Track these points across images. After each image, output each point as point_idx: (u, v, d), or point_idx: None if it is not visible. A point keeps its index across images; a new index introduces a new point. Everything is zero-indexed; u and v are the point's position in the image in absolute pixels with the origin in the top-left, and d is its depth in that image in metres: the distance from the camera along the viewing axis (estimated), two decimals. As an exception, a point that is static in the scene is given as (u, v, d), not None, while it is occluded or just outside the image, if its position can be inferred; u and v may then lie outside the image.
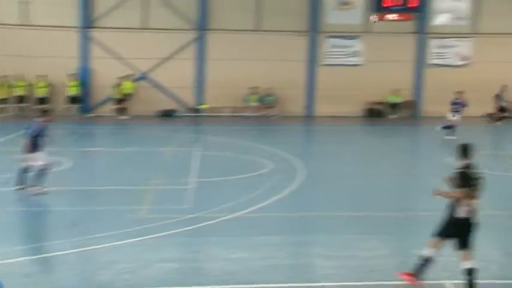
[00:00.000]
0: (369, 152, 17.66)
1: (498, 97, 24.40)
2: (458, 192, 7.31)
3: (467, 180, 7.32)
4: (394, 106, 25.40)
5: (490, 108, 25.49)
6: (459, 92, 20.52)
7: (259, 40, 24.68)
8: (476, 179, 7.37)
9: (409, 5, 24.44)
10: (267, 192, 12.22)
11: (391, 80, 25.10)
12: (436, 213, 8.87)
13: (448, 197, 7.45)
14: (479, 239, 9.51)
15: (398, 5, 24.45)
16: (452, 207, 7.42)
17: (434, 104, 25.23)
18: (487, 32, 25.24)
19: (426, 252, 7.52)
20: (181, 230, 9.79)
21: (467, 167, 7.43)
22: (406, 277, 7.62)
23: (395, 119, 24.79)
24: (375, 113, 25.40)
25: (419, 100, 25.71)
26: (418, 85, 25.66)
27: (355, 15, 25.05)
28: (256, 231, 9.88)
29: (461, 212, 7.34)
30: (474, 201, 7.36)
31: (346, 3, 25.03)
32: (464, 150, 7.50)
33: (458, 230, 7.40)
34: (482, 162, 16.16)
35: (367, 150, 18.00)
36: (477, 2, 25.24)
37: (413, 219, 8.45)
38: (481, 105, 25.34)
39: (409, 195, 12.18)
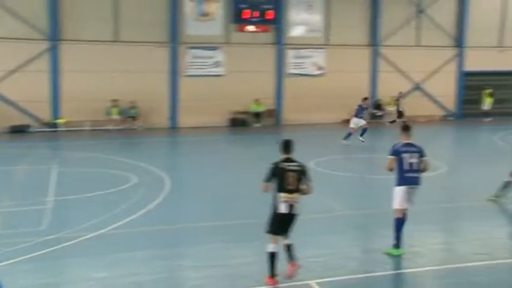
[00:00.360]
0: (233, 161, 17.86)
1: (396, 102, 25.96)
2: (263, 184, 7.90)
3: (272, 174, 7.86)
4: (257, 115, 26.05)
5: (345, 114, 27.20)
6: (366, 98, 21.84)
7: (118, 51, 23.94)
8: (286, 172, 7.81)
9: (267, 17, 25.37)
10: (132, 207, 11.79)
11: (254, 89, 25.75)
12: (300, 216, 9.12)
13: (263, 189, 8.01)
14: (339, 238, 10.03)
15: (256, 17, 25.26)
16: (274, 203, 7.88)
17: (294, 112, 26.40)
18: (337, 44, 26.96)
19: (269, 248, 7.90)
20: (38, 253, 9.05)
21: (283, 161, 7.93)
22: (269, 281, 7.89)
23: (259, 128, 25.42)
24: (239, 123, 25.85)
25: (280, 109, 26.66)
26: (278, 94, 26.59)
27: (215, 26, 25.35)
28: (121, 248, 9.46)
29: (281, 208, 7.81)
30: (293, 196, 7.83)
31: (205, 15, 25.25)
32: (285, 146, 8.03)
33: (280, 225, 7.88)
34: (343, 164, 17.24)
35: (231, 160, 18.19)
36: (328, 15, 26.86)
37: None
38: (337, 112, 27.04)
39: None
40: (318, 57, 26.90)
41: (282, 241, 7.95)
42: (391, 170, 9.16)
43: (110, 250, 9.32)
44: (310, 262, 8.69)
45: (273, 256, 7.88)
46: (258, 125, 25.83)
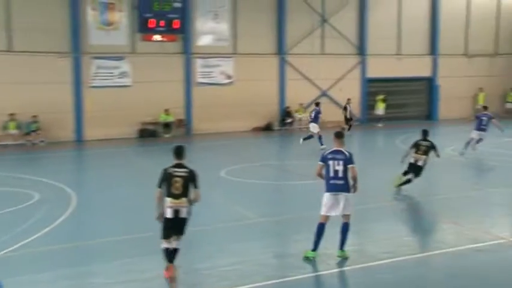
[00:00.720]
0: (142, 173, 17.31)
1: (345, 109, 26.23)
2: (156, 190, 8.06)
3: (161, 179, 8.07)
4: (166, 125, 25.61)
5: (256, 122, 27.47)
6: (318, 103, 22.25)
7: (13, 62, 22.62)
8: (173, 177, 7.98)
9: (173, 27, 25.08)
10: (34, 226, 11.06)
11: (163, 99, 25.31)
12: (214, 225, 8.97)
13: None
14: (253, 245, 9.97)
15: (162, 27, 24.90)
16: (163, 209, 8.07)
17: (204, 121, 26.26)
18: (245, 52, 27.17)
19: (163, 245, 8.09)
20: None
21: (172, 166, 8.11)
22: (167, 273, 8.01)
23: (169, 138, 24.96)
24: (148, 133, 25.28)
25: (190, 118, 26.37)
26: (188, 104, 26.31)
27: (120, 35, 24.71)
28: (22, 270, 8.80)
29: (167, 213, 8.01)
30: (179, 201, 7.96)
31: (109, 24, 24.51)
32: (176, 151, 8.25)
33: (170, 229, 8.03)
34: (255, 172, 17.27)
35: (139, 172, 17.65)
36: (235, 24, 27.01)
37: (189, 234, 8.45)
38: (247, 120, 27.22)
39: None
40: (226, 66, 26.96)
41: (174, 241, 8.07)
42: (320, 176, 9.26)
43: (10, 274, 8.59)
44: (224, 271, 8.57)
45: (167, 250, 7.99)
46: (167, 135, 25.39)
